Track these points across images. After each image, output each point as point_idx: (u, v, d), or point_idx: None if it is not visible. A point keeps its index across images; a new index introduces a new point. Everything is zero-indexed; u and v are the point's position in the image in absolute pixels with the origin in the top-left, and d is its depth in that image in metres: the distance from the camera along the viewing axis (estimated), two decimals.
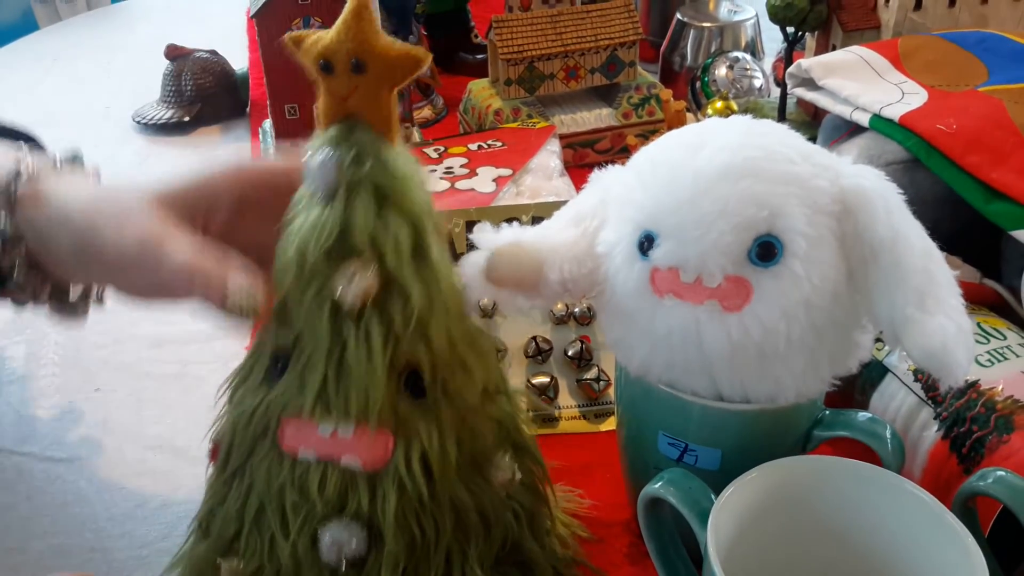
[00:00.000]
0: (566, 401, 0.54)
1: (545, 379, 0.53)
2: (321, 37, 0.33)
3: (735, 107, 0.73)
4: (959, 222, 0.48)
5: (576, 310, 0.55)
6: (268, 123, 0.75)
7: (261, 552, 0.37)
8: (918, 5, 0.68)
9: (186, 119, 0.91)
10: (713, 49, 0.88)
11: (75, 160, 0.48)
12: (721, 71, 0.82)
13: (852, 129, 0.59)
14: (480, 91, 0.81)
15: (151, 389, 0.57)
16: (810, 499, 0.36)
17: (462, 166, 0.67)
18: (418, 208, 0.35)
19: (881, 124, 0.55)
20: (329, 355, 0.34)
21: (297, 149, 0.37)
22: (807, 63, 0.62)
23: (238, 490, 0.38)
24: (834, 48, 0.71)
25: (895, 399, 0.46)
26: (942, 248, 0.35)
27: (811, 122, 0.73)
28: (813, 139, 0.62)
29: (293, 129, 0.71)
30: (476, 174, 0.65)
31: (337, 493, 0.35)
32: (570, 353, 0.54)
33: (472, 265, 0.39)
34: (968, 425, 0.42)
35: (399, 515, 0.35)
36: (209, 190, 0.41)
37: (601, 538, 0.45)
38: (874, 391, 0.47)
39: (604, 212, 0.40)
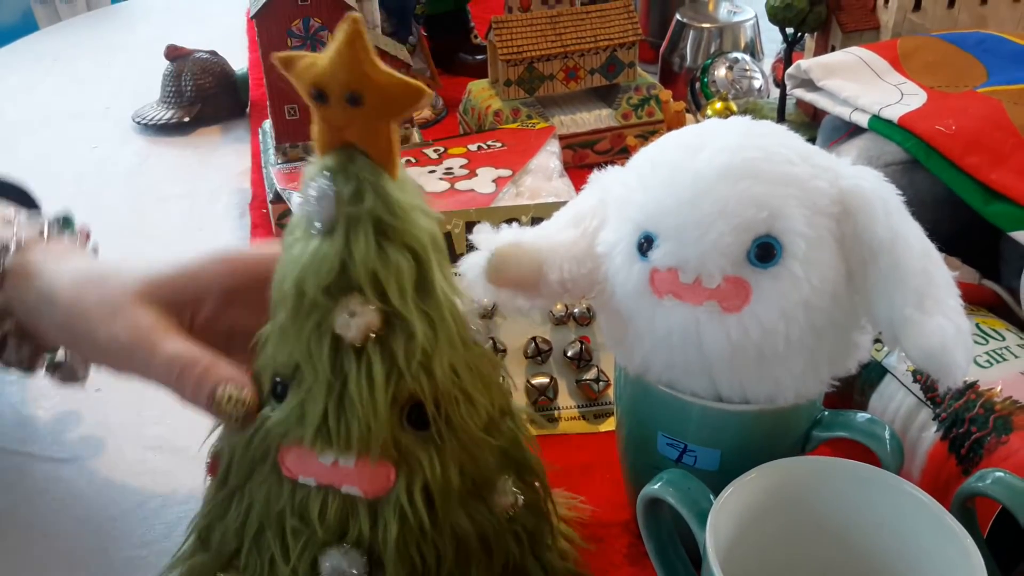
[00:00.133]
0: (565, 402, 0.54)
1: (544, 380, 0.53)
2: (314, 62, 0.31)
3: (734, 108, 0.73)
4: (958, 223, 0.48)
5: (576, 311, 0.55)
6: (268, 123, 0.75)
7: (261, 572, 0.36)
8: (917, 6, 0.68)
9: (186, 119, 0.91)
10: (712, 50, 0.88)
11: (66, 223, 0.49)
12: (720, 72, 0.82)
13: (851, 130, 0.59)
14: (480, 92, 0.81)
15: (151, 389, 0.57)
16: (809, 500, 0.36)
17: (462, 167, 0.67)
18: (421, 240, 0.33)
19: (880, 125, 0.55)
20: (330, 388, 0.33)
21: (280, 242, 0.36)
22: (806, 64, 0.62)
23: (238, 508, 0.37)
24: (833, 49, 0.71)
25: (894, 400, 0.46)
26: (941, 249, 0.35)
27: (810, 123, 0.73)
28: (812, 140, 0.62)
29: (293, 129, 0.71)
30: (476, 175, 0.65)
31: (338, 520, 0.35)
32: (570, 354, 0.54)
33: (472, 266, 0.39)
34: (967, 426, 0.42)
35: (400, 543, 0.34)
36: (196, 281, 0.42)
37: (600, 538, 0.45)
38: (873, 392, 0.47)
39: (604, 213, 0.40)
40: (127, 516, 0.48)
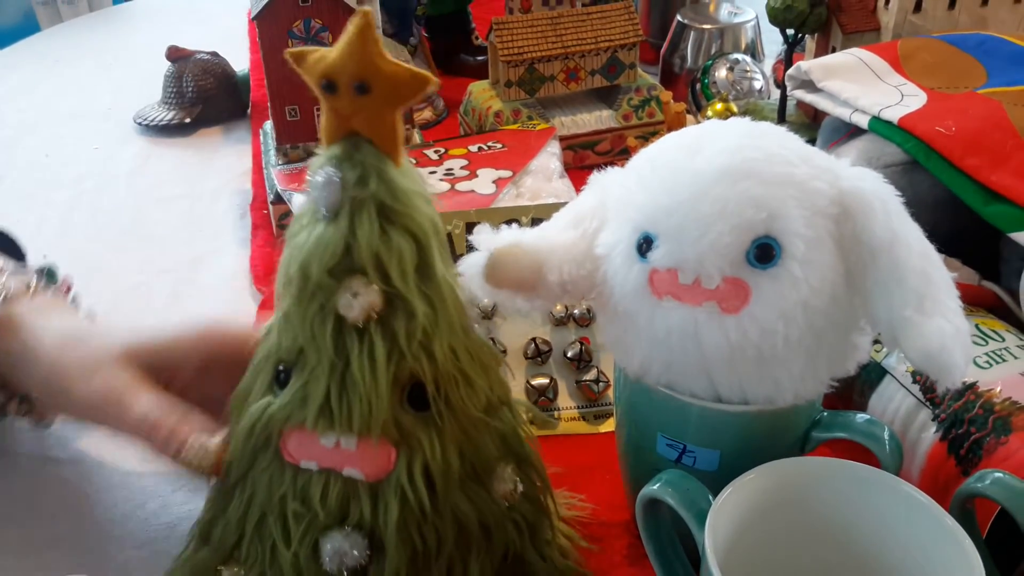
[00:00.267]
0: (565, 402, 0.54)
1: (544, 380, 0.54)
2: (324, 55, 0.32)
3: (735, 109, 0.73)
4: (958, 224, 0.48)
5: (576, 311, 0.55)
6: (269, 124, 0.75)
7: (263, 561, 0.37)
8: (918, 7, 0.68)
9: (187, 120, 0.92)
10: (713, 51, 0.88)
11: (50, 276, 0.51)
12: (721, 73, 0.82)
13: (851, 131, 0.59)
14: (480, 93, 0.81)
15: None
16: (808, 500, 0.36)
17: (462, 168, 0.67)
18: (423, 225, 0.34)
19: (880, 126, 0.55)
20: (332, 369, 0.34)
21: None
22: (807, 65, 0.63)
23: (239, 499, 0.38)
24: (834, 50, 0.71)
25: (893, 401, 0.46)
26: (941, 250, 0.35)
27: (811, 124, 0.73)
28: (812, 141, 0.62)
29: (294, 130, 0.71)
30: (476, 176, 0.66)
31: (339, 503, 0.35)
32: (569, 354, 0.54)
33: (472, 266, 0.39)
34: (966, 427, 0.42)
35: (401, 525, 0.35)
36: (175, 351, 0.44)
37: (600, 539, 0.45)
38: (872, 393, 0.47)
39: (603, 214, 0.40)
40: (128, 517, 0.48)
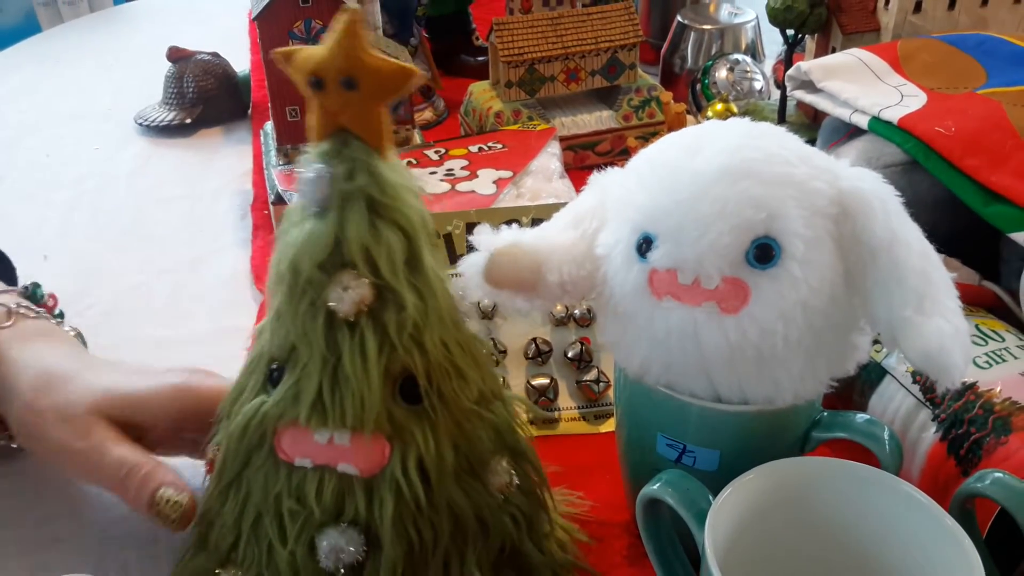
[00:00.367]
0: (566, 403, 0.54)
1: (545, 380, 0.54)
2: (312, 53, 0.32)
3: (735, 109, 0.73)
4: (957, 224, 0.48)
5: (576, 312, 0.55)
6: (269, 125, 0.75)
7: (259, 561, 0.37)
8: (918, 8, 0.68)
9: (188, 121, 0.92)
10: (713, 51, 0.88)
11: (34, 293, 0.52)
12: (721, 73, 0.82)
13: (851, 131, 0.59)
14: (481, 93, 0.81)
15: None
16: (808, 500, 0.36)
17: (463, 168, 0.67)
18: (411, 219, 0.34)
19: (880, 126, 0.55)
20: (324, 364, 0.34)
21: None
22: (806, 65, 0.63)
23: (235, 500, 0.38)
24: (834, 50, 0.71)
25: (893, 401, 0.46)
26: (940, 250, 0.35)
27: (811, 124, 0.73)
28: (812, 141, 0.62)
29: (294, 131, 0.71)
30: (477, 176, 0.66)
31: (334, 499, 0.35)
32: (570, 355, 0.55)
33: (472, 266, 0.39)
34: (966, 427, 0.42)
35: (396, 520, 0.35)
36: (150, 406, 0.44)
37: (600, 539, 0.45)
38: (873, 393, 0.47)
39: (603, 214, 0.40)
40: (128, 517, 0.48)
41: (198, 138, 0.92)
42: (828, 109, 0.61)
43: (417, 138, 0.78)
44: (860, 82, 0.60)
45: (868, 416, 0.39)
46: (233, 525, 0.38)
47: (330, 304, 0.34)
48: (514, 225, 0.40)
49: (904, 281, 0.34)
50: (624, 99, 0.80)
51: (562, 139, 0.75)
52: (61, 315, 0.55)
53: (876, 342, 0.40)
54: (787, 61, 0.74)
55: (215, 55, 0.95)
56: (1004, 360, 0.44)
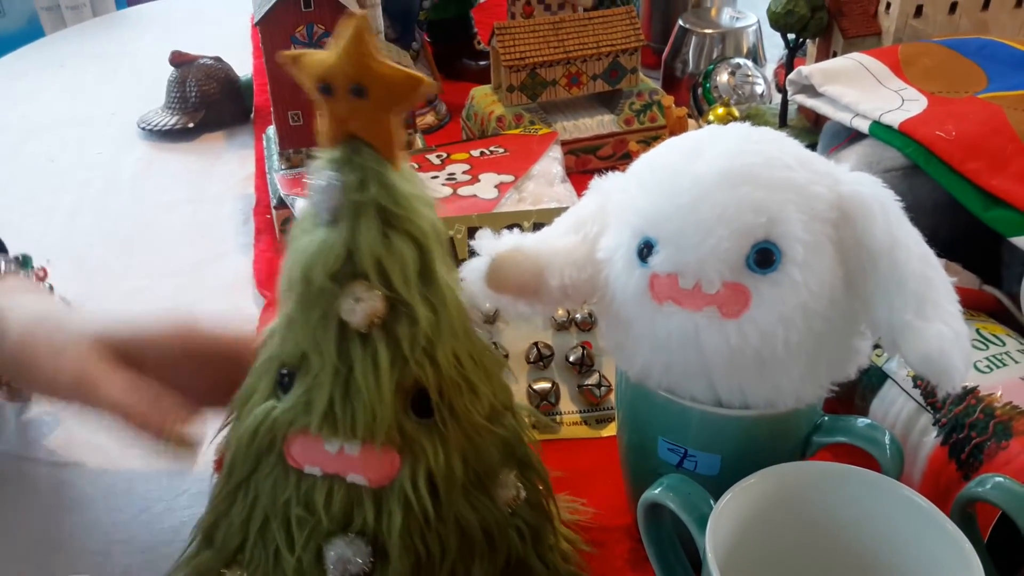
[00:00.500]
0: (567, 407, 0.54)
1: (546, 385, 0.54)
2: (321, 58, 0.32)
3: (736, 113, 0.73)
4: (958, 228, 0.48)
5: (577, 316, 0.55)
6: (272, 129, 0.75)
7: (266, 565, 0.37)
8: (918, 12, 0.68)
9: (190, 125, 0.92)
10: (715, 55, 0.89)
11: (24, 264, 0.51)
12: (723, 77, 0.83)
13: (852, 136, 0.59)
14: (483, 97, 0.81)
15: None
16: (809, 505, 0.36)
17: (464, 172, 0.67)
18: (424, 230, 0.34)
19: (881, 131, 0.55)
20: (336, 375, 0.34)
21: (249, 329, 0.38)
22: (807, 70, 0.63)
23: (243, 502, 0.38)
24: (835, 55, 0.71)
25: (894, 405, 0.46)
26: (941, 254, 0.35)
27: (812, 128, 0.73)
28: (813, 146, 0.62)
29: (297, 135, 0.71)
30: (478, 180, 0.66)
31: (343, 509, 0.35)
32: (571, 359, 0.55)
33: (473, 271, 0.39)
34: (967, 431, 0.42)
35: (404, 533, 0.35)
36: (149, 341, 0.43)
37: (602, 543, 0.45)
38: (874, 397, 0.47)
39: (604, 218, 0.40)
40: (131, 521, 0.48)
41: (201, 142, 0.92)
42: (829, 113, 0.61)
43: (419, 142, 0.78)
44: (861, 86, 0.60)
45: (869, 420, 0.39)
46: (240, 527, 0.38)
47: (342, 315, 0.33)
48: (515, 229, 0.40)
49: (904, 285, 0.34)
50: (626, 103, 0.80)
51: (564, 143, 0.75)
52: (51, 288, 0.54)
53: (877, 346, 0.40)
54: (788, 65, 0.74)
55: (218, 59, 0.95)
56: (1005, 364, 0.44)
